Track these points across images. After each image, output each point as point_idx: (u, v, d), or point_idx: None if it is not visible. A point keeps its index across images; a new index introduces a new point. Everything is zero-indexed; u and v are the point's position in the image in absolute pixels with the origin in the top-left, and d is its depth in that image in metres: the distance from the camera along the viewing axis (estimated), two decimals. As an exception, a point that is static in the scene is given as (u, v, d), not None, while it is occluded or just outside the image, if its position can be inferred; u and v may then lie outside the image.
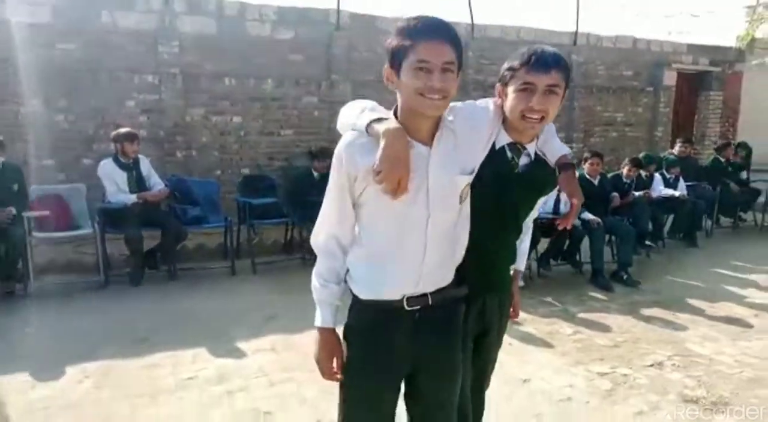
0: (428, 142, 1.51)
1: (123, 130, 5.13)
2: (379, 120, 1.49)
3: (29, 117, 6.41)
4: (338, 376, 1.64)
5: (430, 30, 1.43)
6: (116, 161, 5.02)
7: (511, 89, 1.62)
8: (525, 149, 1.72)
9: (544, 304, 4.70)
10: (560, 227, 1.79)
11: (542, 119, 1.61)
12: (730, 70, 11.63)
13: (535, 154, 1.74)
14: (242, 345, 3.78)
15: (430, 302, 1.59)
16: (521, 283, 5.04)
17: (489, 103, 1.68)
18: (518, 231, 1.87)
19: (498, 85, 1.68)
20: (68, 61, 6.56)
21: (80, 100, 6.68)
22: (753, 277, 5.52)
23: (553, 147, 1.74)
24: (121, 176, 4.95)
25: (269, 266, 5.57)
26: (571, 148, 9.51)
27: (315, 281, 1.65)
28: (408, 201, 1.50)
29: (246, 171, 7.44)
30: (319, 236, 1.64)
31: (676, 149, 7.34)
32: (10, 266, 4.49)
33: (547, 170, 1.75)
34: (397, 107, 1.53)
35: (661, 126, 10.86)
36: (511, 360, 3.59)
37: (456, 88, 1.47)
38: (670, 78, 10.78)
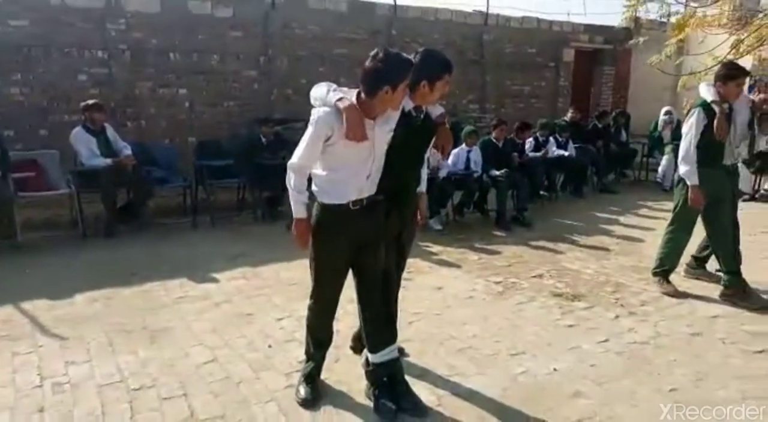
0: (372, 117, 2.53)
1: (91, 101, 5.79)
2: (341, 99, 2.49)
3: (-14, 91, 6.86)
4: (308, 244, 2.67)
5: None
6: (86, 128, 5.67)
7: (439, 84, 2.68)
8: (423, 110, 2.76)
9: (458, 240, 5.83)
10: (440, 153, 2.92)
11: None
12: (621, 48, 13.19)
13: (427, 112, 2.80)
14: (217, 276, 4.68)
15: (364, 203, 2.63)
16: (440, 226, 6.21)
17: None
18: (422, 164, 2.95)
19: (425, 83, 2.66)
20: (21, 37, 7.00)
21: (34, 74, 7.17)
22: (621, 218, 6.92)
23: (434, 109, 2.82)
24: (92, 142, 5.62)
25: (226, 220, 6.43)
26: (484, 117, 10.79)
27: (292, 190, 2.62)
28: (363, 148, 2.52)
29: (192, 139, 8.10)
30: (296, 164, 2.59)
31: (568, 116, 8.68)
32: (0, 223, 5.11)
33: (432, 123, 2.82)
34: (360, 95, 2.51)
35: (562, 97, 12.31)
36: (429, 277, 4.72)
37: None
38: (569, 55, 12.24)
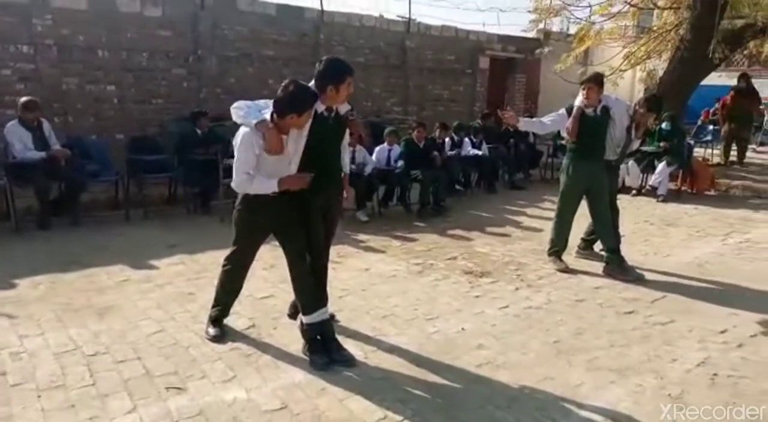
0: (285, 133, 3.07)
1: (24, 99, 5.88)
2: (262, 121, 3.02)
3: None
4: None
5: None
6: (22, 123, 5.76)
7: (343, 87, 3.16)
8: (333, 110, 3.27)
9: (383, 230, 6.36)
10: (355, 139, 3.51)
11: None
12: (531, 58, 14.26)
13: (337, 111, 3.30)
14: (157, 263, 4.95)
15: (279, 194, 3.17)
16: (366, 218, 6.71)
17: None
18: (340, 153, 3.48)
19: (332, 87, 3.15)
20: (-59, 30, 6.91)
21: (-44, 67, 7.09)
22: (528, 210, 7.70)
23: (342, 107, 3.33)
24: (27, 136, 5.71)
25: (158, 213, 6.65)
26: (407, 119, 11.42)
27: (255, 186, 3.11)
28: (282, 159, 3.09)
29: (120, 136, 8.20)
30: (240, 176, 3.11)
31: (482, 120, 9.44)
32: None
33: (343, 120, 3.35)
34: (273, 115, 3.03)
35: (479, 102, 13.18)
36: (357, 260, 5.22)
37: None
38: (484, 62, 13.14)
